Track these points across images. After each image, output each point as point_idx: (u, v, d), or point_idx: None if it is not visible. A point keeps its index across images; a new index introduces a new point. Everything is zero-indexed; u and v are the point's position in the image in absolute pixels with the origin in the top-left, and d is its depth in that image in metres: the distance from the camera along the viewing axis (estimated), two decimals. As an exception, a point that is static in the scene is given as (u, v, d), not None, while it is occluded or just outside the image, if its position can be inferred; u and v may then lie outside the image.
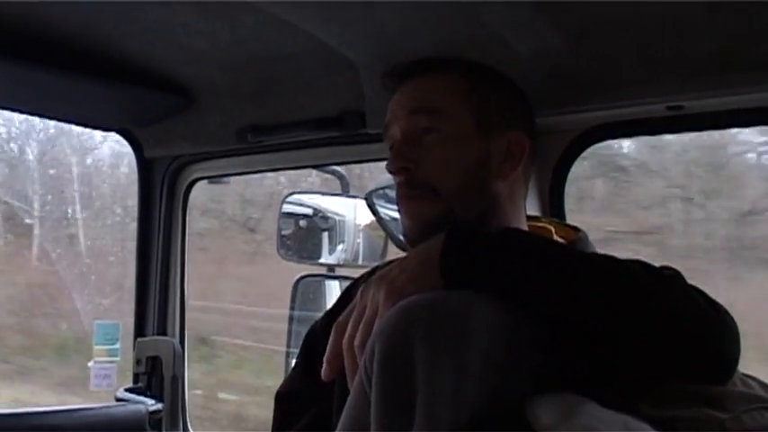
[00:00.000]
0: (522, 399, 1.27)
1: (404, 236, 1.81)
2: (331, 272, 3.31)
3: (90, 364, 3.22)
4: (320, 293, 3.26)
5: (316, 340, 1.89)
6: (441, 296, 1.36)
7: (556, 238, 1.82)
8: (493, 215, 1.74)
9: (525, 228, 1.82)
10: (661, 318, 1.37)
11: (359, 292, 1.50)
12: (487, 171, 1.74)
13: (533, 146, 1.82)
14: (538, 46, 2.10)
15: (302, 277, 3.34)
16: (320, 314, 2.05)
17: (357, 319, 1.46)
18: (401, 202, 1.78)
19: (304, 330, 2.04)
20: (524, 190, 1.84)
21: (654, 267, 1.46)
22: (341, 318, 1.52)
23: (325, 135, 2.59)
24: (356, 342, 1.43)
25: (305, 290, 3.29)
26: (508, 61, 2.08)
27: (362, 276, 2.00)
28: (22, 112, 3.02)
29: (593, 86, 2.08)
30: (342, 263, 3.24)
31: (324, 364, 1.51)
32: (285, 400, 1.93)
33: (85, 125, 3.21)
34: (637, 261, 1.47)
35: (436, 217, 1.72)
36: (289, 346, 3.24)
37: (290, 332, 3.25)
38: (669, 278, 1.45)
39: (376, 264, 2.11)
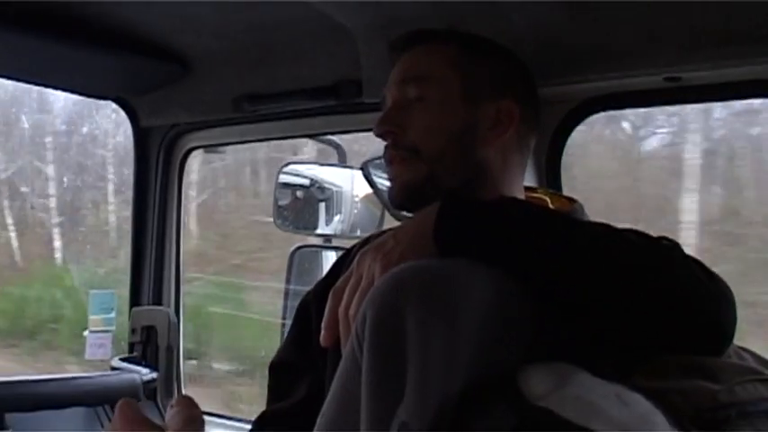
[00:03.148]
0: (514, 367, 1.27)
1: (389, 198, 1.83)
2: (328, 242, 3.31)
3: (85, 333, 3.22)
4: (317, 264, 3.26)
5: (308, 310, 1.90)
6: (433, 264, 1.36)
7: (551, 208, 1.82)
8: (483, 182, 1.75)
9: (521, 196, 1.82)
10: (657, 288, 1.37)
11: (355, 261, 1.50)
12: (473, 137, 1.75)
13: (531, 114, 1.82)
14: (535, 17, 2.09)
15: (298, 248, 3.34)
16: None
17: (353, 288, 1.46)
18: (387, 165, 1.81)
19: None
20: (520, 158, 1.83)
21: (651, 237, 1.46)
22: (338, 284, 1.52)
23: (322, 104, 2.58)
24: (351, 311, 1.43)
25: (301, 260, 3.30)
26: (506, 32, 2.07)
27: (354, 246, 2.00)
28: (17, 80, 3.01)
29: (591, 57, 2.08)
30: (338, 234, 3.24)
31: (322, 331, 1.51)
32: (279, 369, 1.93)
33: (81, 93, 3.20)
34: (633, 231, 1.47)
35: (418, 179, 1.73)
36: (284, 317, 3.24)
37: (285, 307, 3.26)
38: (666, 248, 1.45)
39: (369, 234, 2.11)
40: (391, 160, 1.78)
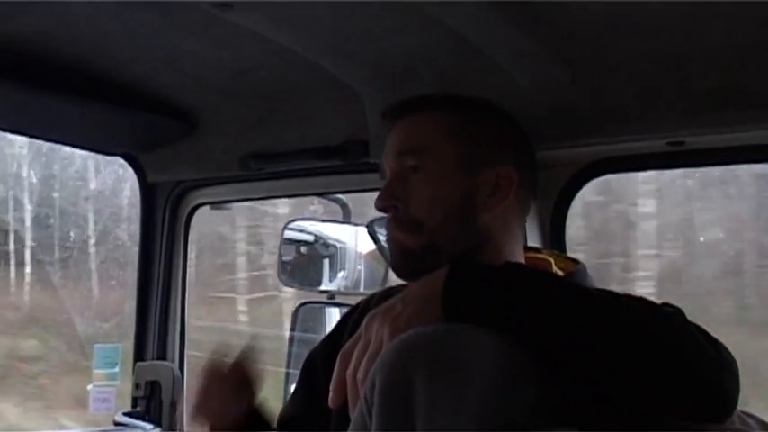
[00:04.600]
0: (520, 433, 1.28)
1: (391, 268, 1.84)
2: (332, 299, 3.31)
3: (89, 387, 3.22)
4: (320, 320, 3.26)
5: (315, 366, 1.92)
6: (441, 329, 1.36)
7: (555, 269, 1.83)
8: (484, 248, 1.77)
9: (522, 259, 1.84)
10: (660, 355, 1.37)
11: (364, 323, 1.50)
12: (473, 205, 1.77)
13: (529, 178, 1.84)
14: (540, 80, 2.12)
15: (303, 303, 3.35)
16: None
17: (361, 351, 1.46)
18: (388, 237, 1.83)
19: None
20: (520, 222, 1.86)
21: (654, 304, 1.47)
22: (346, 346, 1.52)
23: (328, 164, 2.60)
24: (359, 375, 1.44)
25: (305, 317, 3.30)
26: (510, 95, 2.10)
27: (360, 303, 2.01)
28: (26, 135, 3.03)
29: (595, 121, 2.10)
30: (342, 290, 3.24)
31: (330, 392, 1.52)
32: (287, 425, 1.94)
33: (89, 149, 3.22)
34: (637, 297, 1.48)
35: (419, 249, 1.76)
36: (289, 365, 3.25)
37: (289, 354, 3.26)
38: (669, 315, 1.45)
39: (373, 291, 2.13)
40: (393, 233, 1.81)
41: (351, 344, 1.50)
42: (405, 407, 1.27)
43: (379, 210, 1.81)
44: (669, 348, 1.39)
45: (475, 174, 1.77)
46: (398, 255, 1.80)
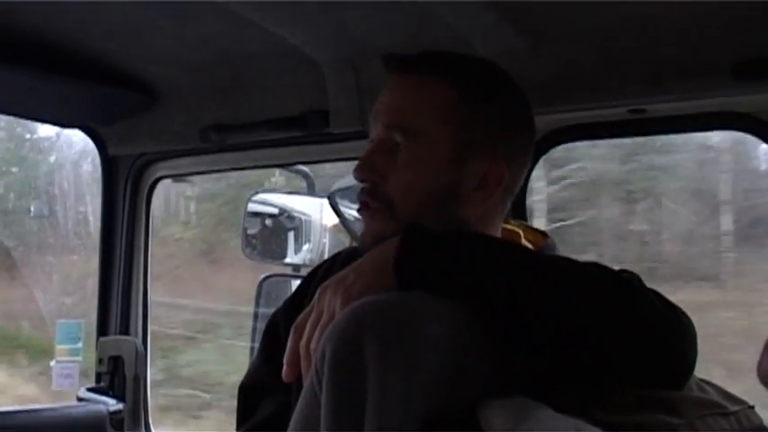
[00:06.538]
0: (474, 402, 1.27)
1: (359, 244, 1.78)
2: (296, 272, 3.30)
3: (52, 363, 3.20)
4: (285, 293, 3.25)
5: (277, 328, 1.87)
6: (393, 298, 1.35)
7: (524, 241, 1.76)
8: None
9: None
10: (618, 321, 1.37)
11: (316, 294, 1.48)
12: (455, 198, 1.63)
13: (516, 175, 1.71)
14: (501, 49, 2.10)
15: (267, 276, 3.33)
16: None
17: (314, 322, 1.44)
18: (361, 209, 1.70)
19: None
20: (501, 216, 1.72)
21: (612, 270, 1.46)
22: (299, 319, 1.49)
23: (289, 135, 2.58)
24: (312, 346, 1.42)
25: (270, 289, 3.29)
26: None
27: (324, 263, 1.93)
28: (-13, 108, 3.00)
29: (556, 89, 2.09)
30: (307, 263, 3.23)
31: (284, 366, 1.49)
32: (248, 391, 1.90)
33: (50, 122, 3.19)
34: (594, 264, 1.47)
35: (388, 233, 1.57)
36: (254, 340, 3.25)
37: (254, 330, 3.26)
38: (627, 282, 1.45)
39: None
40: (366, 207, 1.68)
41: (304, 316, 1.48)
42: (355, 377, 1.26)
43: (357, 180, 1.68)
44: (627, 315, 1.38)
45: (464, 164, 1.63)
46: (370, 238, 1.66)
